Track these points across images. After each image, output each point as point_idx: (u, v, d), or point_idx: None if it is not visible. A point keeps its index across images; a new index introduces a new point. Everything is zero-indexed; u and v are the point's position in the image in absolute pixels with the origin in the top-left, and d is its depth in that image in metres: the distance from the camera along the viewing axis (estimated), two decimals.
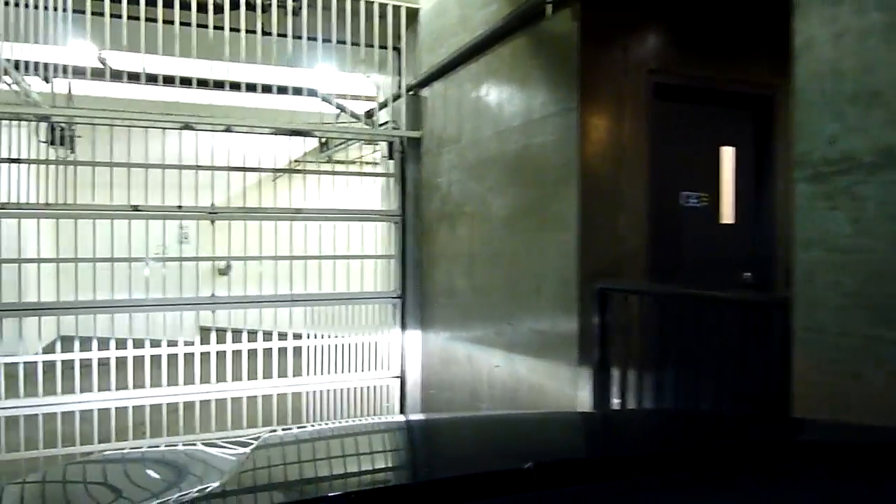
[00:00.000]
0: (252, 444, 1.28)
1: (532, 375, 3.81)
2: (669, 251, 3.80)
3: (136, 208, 4.73)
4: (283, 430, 1.53)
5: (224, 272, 6.42)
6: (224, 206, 5.01)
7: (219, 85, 4.90)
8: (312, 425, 2.05)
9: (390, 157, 5.51)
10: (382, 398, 5.48)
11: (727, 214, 4.05)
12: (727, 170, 4.07)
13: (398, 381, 5.49)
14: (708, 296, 2.83)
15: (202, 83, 5.10)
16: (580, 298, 3.40)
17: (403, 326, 5.43)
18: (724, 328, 2.77)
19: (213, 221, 4.96)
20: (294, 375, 5.18)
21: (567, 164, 3.52)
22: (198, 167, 4.86)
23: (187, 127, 4.89)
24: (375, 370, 5.46)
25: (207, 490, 1.07)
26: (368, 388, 5.47)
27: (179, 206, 4.86)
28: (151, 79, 5.03)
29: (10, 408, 4.47)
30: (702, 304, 2.88)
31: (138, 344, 4.80)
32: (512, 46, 4.05)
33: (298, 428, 1.61)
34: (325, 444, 1.41)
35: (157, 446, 1.55)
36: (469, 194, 4.59)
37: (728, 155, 4.08)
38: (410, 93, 5.42)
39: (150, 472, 1.29)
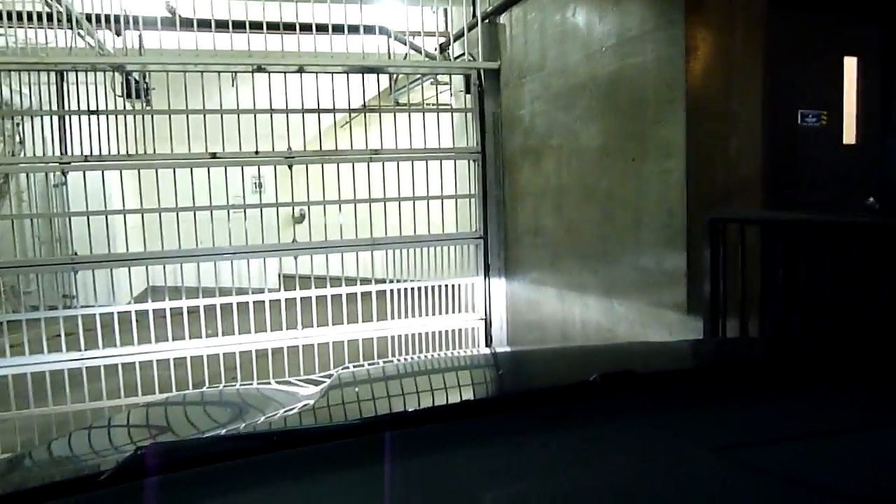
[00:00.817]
0: (326, 381, 1.33)
1: (631, 317, 3.57)
2: (786, 176, 3.44)
3: (214, 156, 4.68)
4: (356, 366, 1.58)
5: (299, 221, 6.38)
6: (300, 151, 4.91)
7: (288, 28, 4.73)
8: (384, 362, 2.16)
9: (467, 90, 5.24)
10: (467, 341, 5.37)
11: (850, 134, 3.63)
12: (850, 84, 3.62)
13: (483, 323, 5.35)
14: (844, 222, 2.51)
15: (272, 27, 4.93)
16: (688, 231, 3.12)
17: (486, 268, 5.26)
18: (853, 258, 2.46)
19: (290, 166, 4.86)
20: (378, 320, 5.12)
21: (671, 84, 3.19)
22: (272, 111, 4.75)
23: (260, 69, 4.77)
24: (459, 313, 5.34)
25: (285, 417, 1.12)
26: (453, 331, 5.36)
27: (256, 152, 4.79)
28: (221, 25, 4.90)
29: (108, 356, 4.58)
30: (833, 231, 2.56)
31: (225, 293, 4.83)
32: None
33: (370, 365, 1.65)
34: (399, 376, 1.49)
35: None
36: (556, 125, 4.30)
37: (851, 67, 3.63)
38: (486, 21, 5.10)
39: (228, 408, 1.35)
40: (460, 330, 5.36)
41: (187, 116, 4.61)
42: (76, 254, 4.56)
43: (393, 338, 5.21)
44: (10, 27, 4.42)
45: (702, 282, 3.03)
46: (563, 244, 4.30)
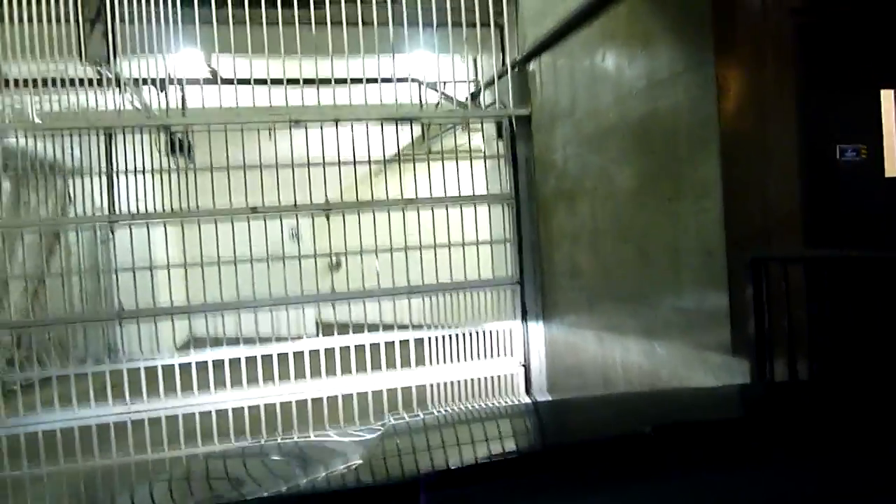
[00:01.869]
0: (378, 430, 1.31)
1: (674, 360, 3.50)
2: (827, 212, 3.37)
3: (254, 209, 4.80)
4: (405, 417, 1.55)
5: (336, 268, 6.44)
6: (336, 202, 5.00)
7: (324, 82, 4.88)
8: (433, 412, 2.12)
9: (499, 135, 5.30)
10: (507, 387, 5.30)
11: (893, 167, 3.55)
12: (889, 116, 3.57)
13: (522, 368, 5.29)
14: (891, 258, 2.45)
15: (308, 82, 5.09)
16: (729, 270, 3.07)
17: (524, 312, 5.23)
18: None
19: (327, 216, 4.95)
20: (416, 366, 5.10)
21: (704, 124, 3.18)
22: (309, 164, 4.88)
23: (297, 122, 4.91)
24: (498, 357, 5.28)
25: (341, 472, 1.12)
26: (492, 377, 5.30)
27: (295, 205, 4.89)
28: (260, 81, 5.08)
29: (152, 409, 4.65)
30: (880, 268, 2.50)
31: (264, 342, 4.88)
32: (629, 4, 3.74)
33: (415, 417, 1.63)
34: (446, 427, 1.46)
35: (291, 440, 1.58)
36: (589, 168, 4.31)
37: (889, 99, 3.58)
38: (515, 69, 5.19)
39: (287, 462, 1.32)
40: (500, 376, 5.30)
41: (228, 171, 4.75)
42: (122, 308, 4.67)
43: (432, 385, 5.17)
44: (62, 92, 4.65)
45: (745, 322, 2.96)
46: (600, 286, 4.26)
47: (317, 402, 4.91)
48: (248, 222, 4.82)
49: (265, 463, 1.31)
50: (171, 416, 4.68)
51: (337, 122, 4.95)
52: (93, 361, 4.78)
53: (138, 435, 4.60)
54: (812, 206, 3.26)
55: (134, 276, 4.64)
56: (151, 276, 4.70)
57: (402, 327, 5.12)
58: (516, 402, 2.80)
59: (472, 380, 5.26)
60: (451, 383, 5.21)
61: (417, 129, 6.02)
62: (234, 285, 4.78)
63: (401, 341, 5.08)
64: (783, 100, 3.20)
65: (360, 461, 1.12)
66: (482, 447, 1.26)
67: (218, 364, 4.77)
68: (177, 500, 1.19)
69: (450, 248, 5.16)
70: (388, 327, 5.10)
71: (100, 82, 4.84)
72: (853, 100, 3.55)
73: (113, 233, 4.71)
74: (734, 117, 3.13)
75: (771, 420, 1.23)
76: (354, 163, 4.97)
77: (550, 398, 5.04)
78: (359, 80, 4.92)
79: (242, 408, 4.78)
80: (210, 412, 4.72)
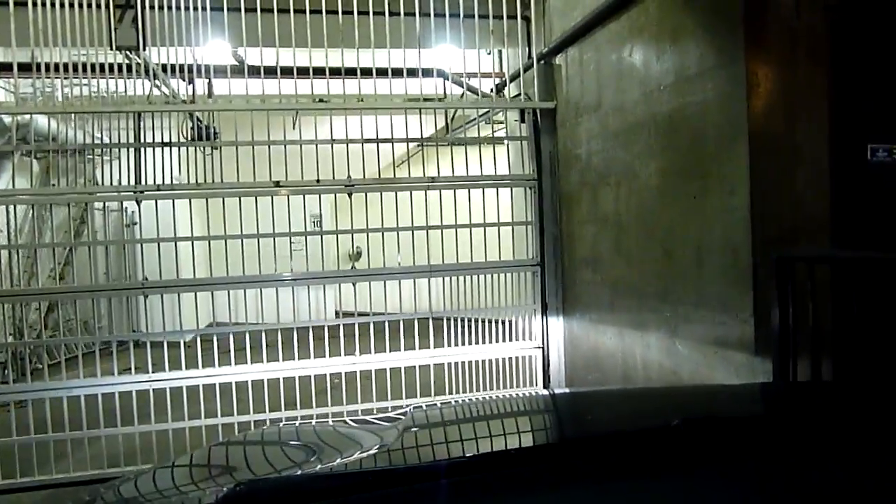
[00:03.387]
0: (399, 418, 1.33)
1: (695, 358, 3.48)
2: (857, 213, 3.32)
3: (277, 184, 4.81)
4: (427, 405, 1.58)
5: (356, 258, 6.47)
6: (359, 179, 4.97)
7: (350, 72, 4.89)
8: (453, 401, 2.11)
9: (522, 120, 5.26)
10: (524, 373, 5.29)
11: None
12: None
13: (540, 356, 5.28)
14: None
15: (334, 72, 5.10)
16: (755, 269, 3.04)
17: (544, 300, 5.20)
18: None
19: (350, 195, 4.94)
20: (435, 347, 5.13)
21: (732, 121, 3.15)
22: (332, 141, 4.90)
23: (321, 101, 4.93)
24: (517, 342, 5.26)
25: (363, 457, 1.12)
26: (510, 359, 5.28)
27: (318, 181, 4.89)
28: (286, 71, 5.10)
29: (177, 378, 4.73)
30: None
31: (285, 330, 4.93)
32: None
33: (440, 404, 1.68)
34: (467, 414, 1.44)
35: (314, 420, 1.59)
36: (613, 164, 4.28)
37: None
38: (542, 62, 5.16)
39: (313, 446, 1.32)
40: (518, 358, 5.28)
41: (253, 150, 4.80)
42: (146, 279, 4.74)
43: (450, 365, 5.18)
44: (92, 77, 4.71)
45: (770, 322, 2.94)
46: (622, 282, 4.24)
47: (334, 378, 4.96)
48: (272, 204, 4.81)
49: (287, 446, 1.33)
50: (191, 387, 4.74)
51: (361, 111, 4.96)
52: (116, 343, 4.88)
53: (160, 416, 4.66)
54: (841, 206, 3.21)
55: (158, 251, 4.71)
56: (176, 251, 4.76)
57: (422, 318, 5.14)
58: (536, 393, 2.78)
59: (490, 361, 5.25)
60: (469, 364, 5.21)
61: (442, 121, 6.04)
62: (256, 265, 4.81)
63: (420, 324, 5.09)
64: (814, 98, 3.16)
65: (382, 447, 1.13)
66: (504, 435, 1.27)
67: (240, 349, 4.82)
68: (204, 480, 1.21)
69: (471, 230, 5.10)
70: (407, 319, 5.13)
71: (129, 69, 4.90)
72: (886, 99, 3.49)
73: (139, 205, 4.73)
74: (764, 115, 3.09)
75: (795, 419, 1.22)
76: (377, 142, 4.97)
77: (567, 386, 5.05)
78: (385, 72, 4.93)
79: (262, 380, 4.83)
80: (231, 386, 4.78)
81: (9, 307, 7.06)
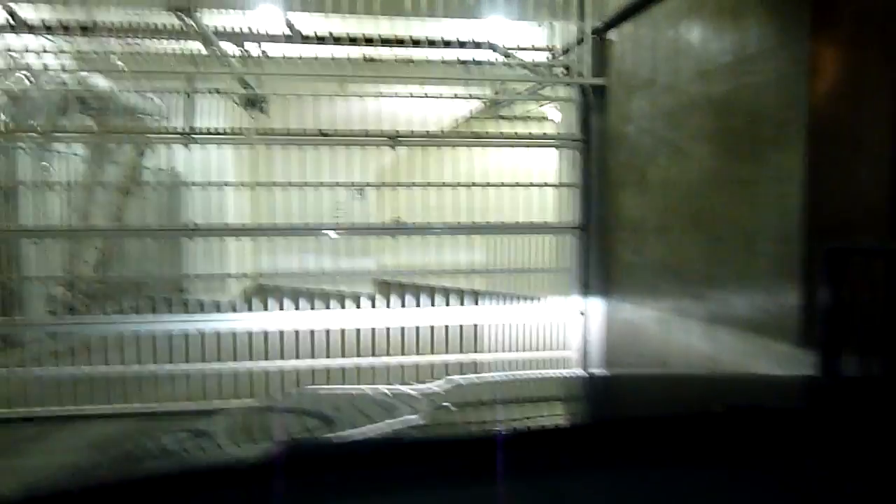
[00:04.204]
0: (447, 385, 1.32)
1: (738, 346, 3.40)
2: None
3: (323, 134, 4.82)
4: (465, 380, 1.54)
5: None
6: (405, 132, 4.93)
7: (400, 42, 4.86)
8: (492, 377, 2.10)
9: (567, 74, 5.14)
10: (564, 335, 5.28)
11: None
12: None
13: (580, 344, 5.25)
14: None
15: (384, 41, 5.08)
16: (805, 261, 2.94)
17: (586, 289, 5.15)
18: None
19: (394, 147, 4.92)
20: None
21: (791, 105, 3.03)
22: (381, 94, 4.89)
23: (370, 72, 4.93)
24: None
25: (406, 425, 1.12)
26: (549, 324, 5.29)
27: (362, 131, 4.88)
28: (337, 39, 5.09)
29: (224, 319, 4.88)
30: None
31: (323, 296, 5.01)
32: None
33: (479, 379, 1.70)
34: (505, 393, 1.41)
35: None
36: (663, 144, 4.18)
37: None
38: (595, 37, 5.04)
39: (359, 406, 1.34)
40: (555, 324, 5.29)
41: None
42: (195, 224, 4.87)
43: (487, 327, 5.18)
44: (146, 38, 4.79)
45: (818, 314, 2.85)
46: (665, 267, 4.16)
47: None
48: (318, 149, 4.85)
49: (339, 408, 1.34)
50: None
51: (410, 79, 4.93)
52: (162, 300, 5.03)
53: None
54: None
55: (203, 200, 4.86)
56: (219, 193, 4.89)
57: (461, 293, 5.15)
58: (573, 374, 2.76)
59: (528, 326, 5.25)
60: (505, 326, 5.22)
61: (490, 93, 5.97)
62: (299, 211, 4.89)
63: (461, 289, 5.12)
64: (883, 84, 3.01)
65: (431, 415, 1.13)
66: (548, 411, 1.26)
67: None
68: (251, 436, 1.24)
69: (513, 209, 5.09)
70: (443, 291, 5.14)
71: (182, 31, 4.96)
72: None
73: (189, 148, 4.81)
74: (825, 99, 2.96)
75: (843, 416, 1.18)
76: (424, 97, 4.94)
77: (596, 372, 5.01)
78: (434, 42, 4.88)
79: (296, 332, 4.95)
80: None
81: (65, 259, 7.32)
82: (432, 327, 5.05)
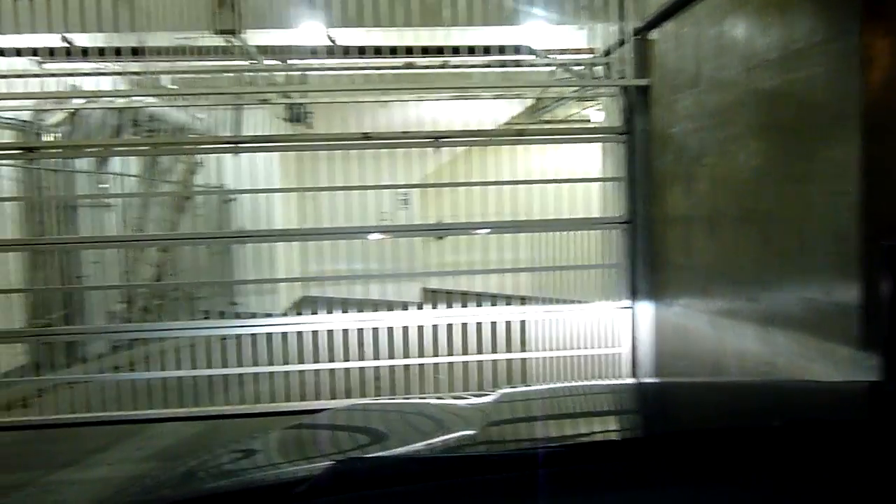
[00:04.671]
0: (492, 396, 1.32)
1: (793, 349, 3.30)
2: None
3: (366, 136, 4.81)
4: (516, 390, 1.56)
5: (440, 237, 6.52)
6: (449, 131, 4.91)
7: (439, 51, 4.89)
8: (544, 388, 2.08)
9: (609, 76, 5.08)
10: (611, 366, 5.21)
11: None
12: None
13: (628, 349, 5.17)
14: None
15: (425, 51, 5.12)
16: (863, 259, 2.84)
17: (633, 291, 5.07)
18: None
19: (436, 146, 4.91)
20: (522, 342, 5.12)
21: (844, 98, 2.93)
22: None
23: (415, 90, 4.97)
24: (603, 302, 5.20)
25: (461, 439, 1.13)
26: (596, 321, 5.22)
27: (405, 132, 4.91)
28: (377, 51, 5.15)
29: (276, 324, 4.96)
30: None
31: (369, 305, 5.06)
32: None
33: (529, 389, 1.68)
34: (559, 401, 1.41)
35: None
36: (710, 143, 4.10)
37: None
38: (636, 37, 4.98)
39: (408, 421, 1.35)
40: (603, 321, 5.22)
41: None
42: (243, 230, 5.00)
43: (533, 323, 5.16)
44: (194, 59, 4.94)
45: (879, 314, 2.75)
46: (715, 268, 4.08)
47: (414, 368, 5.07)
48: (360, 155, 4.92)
49: (373, 426, 1.35)
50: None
51: (450, 89, 4.97)
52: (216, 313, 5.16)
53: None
54: None
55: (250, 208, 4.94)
56: (264, 200, 5.01)
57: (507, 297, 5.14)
58: (628, 381, 2.70)
59: (575, 323, 5.20)
60: (553, 321, 5.18)
61: (531, 98, 5.95)
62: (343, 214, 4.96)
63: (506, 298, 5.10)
64: None
65: (477, 428, 1.13)
66: (599, 425, 1.24)
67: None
68: (303, 452, 1.26)
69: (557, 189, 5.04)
70: (490, 297, 5.14)
71: (228, 51, 5.10)
72: None
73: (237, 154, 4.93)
74: (880, 92, 2.86)
75: None
76: (466, 99, 4.97)
77: (651, 380, 4.92)
78: (474, 50, 4.89)
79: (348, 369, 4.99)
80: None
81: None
82: (479, 324, 5.04)
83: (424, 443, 1.13)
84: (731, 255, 3.90)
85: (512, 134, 5.03)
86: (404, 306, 5.05)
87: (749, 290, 3.68)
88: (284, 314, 5.12)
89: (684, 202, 4.47)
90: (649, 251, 4.99)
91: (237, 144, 4.83)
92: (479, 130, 5.03)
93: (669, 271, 4.74)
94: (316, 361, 4.93)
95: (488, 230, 5.02)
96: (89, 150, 5.28)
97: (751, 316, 3.66)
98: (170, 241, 5.68)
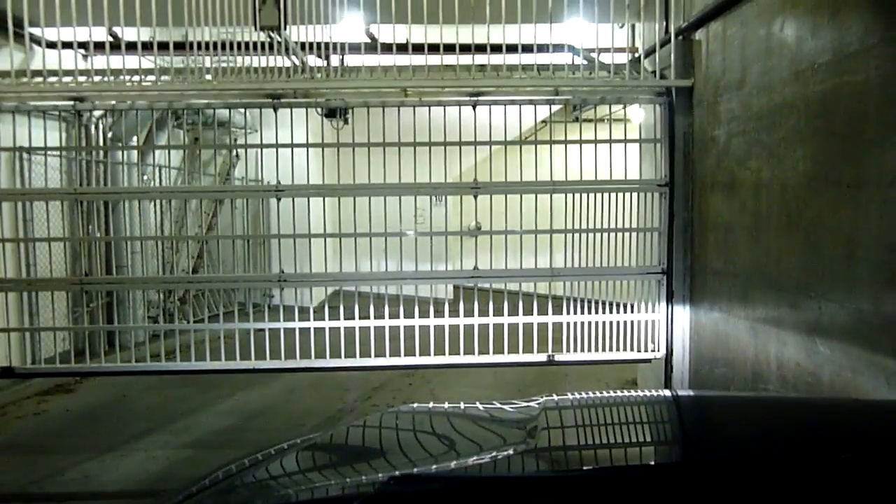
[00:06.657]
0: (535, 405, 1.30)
1: (839, 360, 3.22)
2: None
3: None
4: (558, 399, 1.49)
5: (474, 234, 6.49)
6: (485, 182, 4.97)
7: (479, 49, 4.86)
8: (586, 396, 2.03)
9: (651, 76, 4.99)
10: (646, 375, 5.14)
11: None
12: None
13: (663, 357, 5.08)
14: None
15: (464, 48, 5.08)
16: None
17: (669, 296, 4.99)
18: None
19: (475, 196, 4.96)
20: (554, 342, 5.08)
21: None
22: (459, 102, 4.94)
23: (458, 90, 4.96)
24: (637, 348, 5.13)
25: (502, 456, 1.11)
26: (633, 325, 5.15)
27: (444, 181, 4.98)
28: (418, 48, 5.14)
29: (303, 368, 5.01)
30: None
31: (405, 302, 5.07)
32: None
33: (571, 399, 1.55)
34: (600, 413, 1.39)
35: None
36: (755, 147, 4.01)
37: None
38: (679, 37, 4.89)
39: (454, 427, 1.33)
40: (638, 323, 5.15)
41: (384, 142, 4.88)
42: (283, 272, 5.01)
43: (570, 325, 5.13)
44: (233, 55, 4.98)
45: None
46: (757, 275, 3.99)
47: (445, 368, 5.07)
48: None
49: (419, 434, 1.33)
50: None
51: (487, 87, 4.93)
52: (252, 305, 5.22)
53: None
54: None
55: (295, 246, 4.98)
56: (310, 245, 5.07)
57: (542, 297, 5.10)
58: (672, 393, 2.61)
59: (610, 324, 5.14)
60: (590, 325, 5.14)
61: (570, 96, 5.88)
62: (381, 244, 5.00)
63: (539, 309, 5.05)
64: None
65: (516, 450, 1.10)
66: (645, 444, 1.21)
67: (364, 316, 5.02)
68: (354, 460, 1.24)
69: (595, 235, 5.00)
70: (526, 296, 5.10)
71: (271, 47, 5.14)
72: None
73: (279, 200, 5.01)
74: None
75: None
76: (505, 126, 4.94)
77: (691, 392, 4.81)
78: (514, 48, 4.85)
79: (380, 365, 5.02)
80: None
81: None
82: (518, 325, 5.02)
83: (474, 458, 1.11)
84: (774, 261, 3.81)
85: (548, 185, 5.00)
86: (437, 303, 5.06)
87: (793, 297, 3.60)
88: (316, 310, 5.13)
89: (726, 206, 4.39)
90: (688, 255, 4.91)
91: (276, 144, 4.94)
92: (515, 182, 5.00)
93: (709, 276, 4.66)
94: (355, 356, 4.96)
95: (524, 279, 5.05)
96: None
97: (794, 325, 3.58)
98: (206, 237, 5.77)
